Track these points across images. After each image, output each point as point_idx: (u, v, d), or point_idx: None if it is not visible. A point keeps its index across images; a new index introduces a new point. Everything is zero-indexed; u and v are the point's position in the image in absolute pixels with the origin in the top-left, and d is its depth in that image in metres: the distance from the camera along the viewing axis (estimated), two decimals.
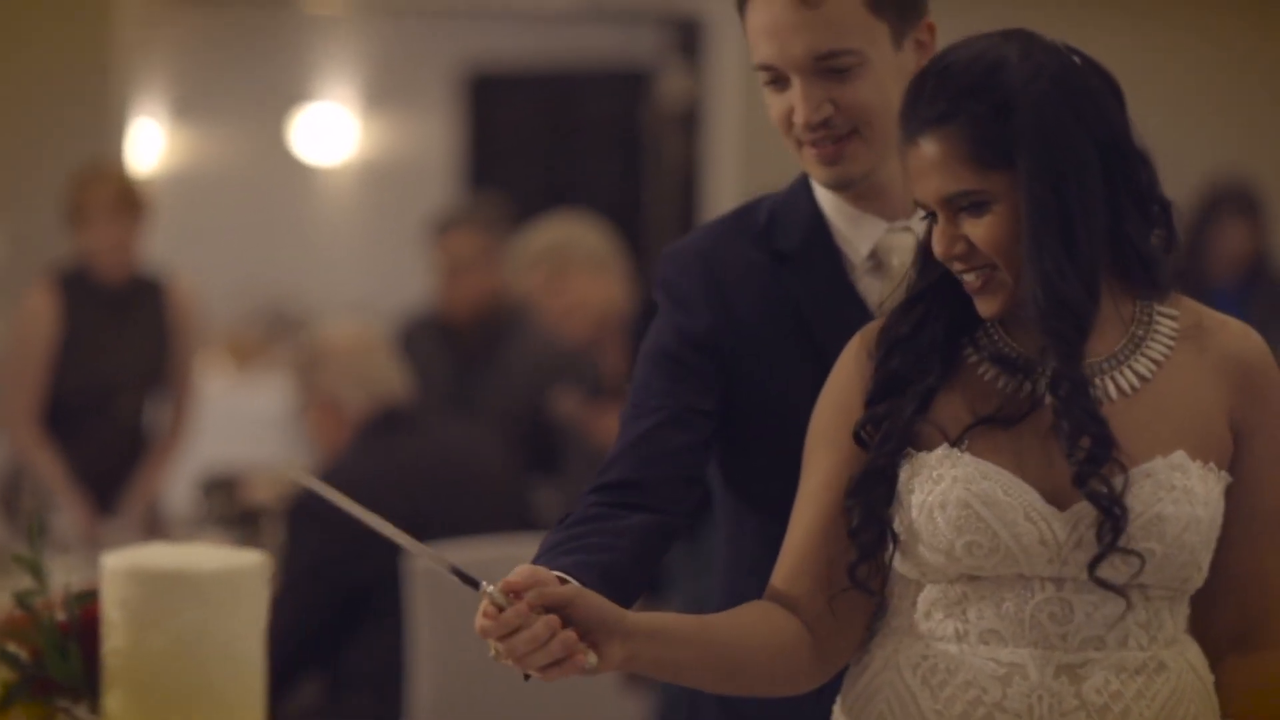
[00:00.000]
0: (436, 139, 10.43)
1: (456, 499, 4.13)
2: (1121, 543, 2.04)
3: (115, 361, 5.60)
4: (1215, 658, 2.17)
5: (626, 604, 2.11)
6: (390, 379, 4.31)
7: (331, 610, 4.05)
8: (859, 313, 2.35)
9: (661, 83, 9.61)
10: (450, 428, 4.45)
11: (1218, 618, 2.17)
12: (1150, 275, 2.13)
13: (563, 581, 2.06)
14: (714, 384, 2.36)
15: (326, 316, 10.18)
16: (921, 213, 2.13)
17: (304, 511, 4.11)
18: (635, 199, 10.14)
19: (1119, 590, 2.05)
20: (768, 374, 2.37)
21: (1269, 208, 6.65)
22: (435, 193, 9.78)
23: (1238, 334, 2.18)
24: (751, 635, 2.14)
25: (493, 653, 1.99)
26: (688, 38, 8.77)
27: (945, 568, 2.10)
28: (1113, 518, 2.04)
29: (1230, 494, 2.13)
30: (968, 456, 2.09)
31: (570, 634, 1.98)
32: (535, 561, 2.14)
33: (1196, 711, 2.12)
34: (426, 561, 2.04)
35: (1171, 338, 2.14)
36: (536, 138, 10.27)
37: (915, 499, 2.10)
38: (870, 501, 2.12)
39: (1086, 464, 2.05)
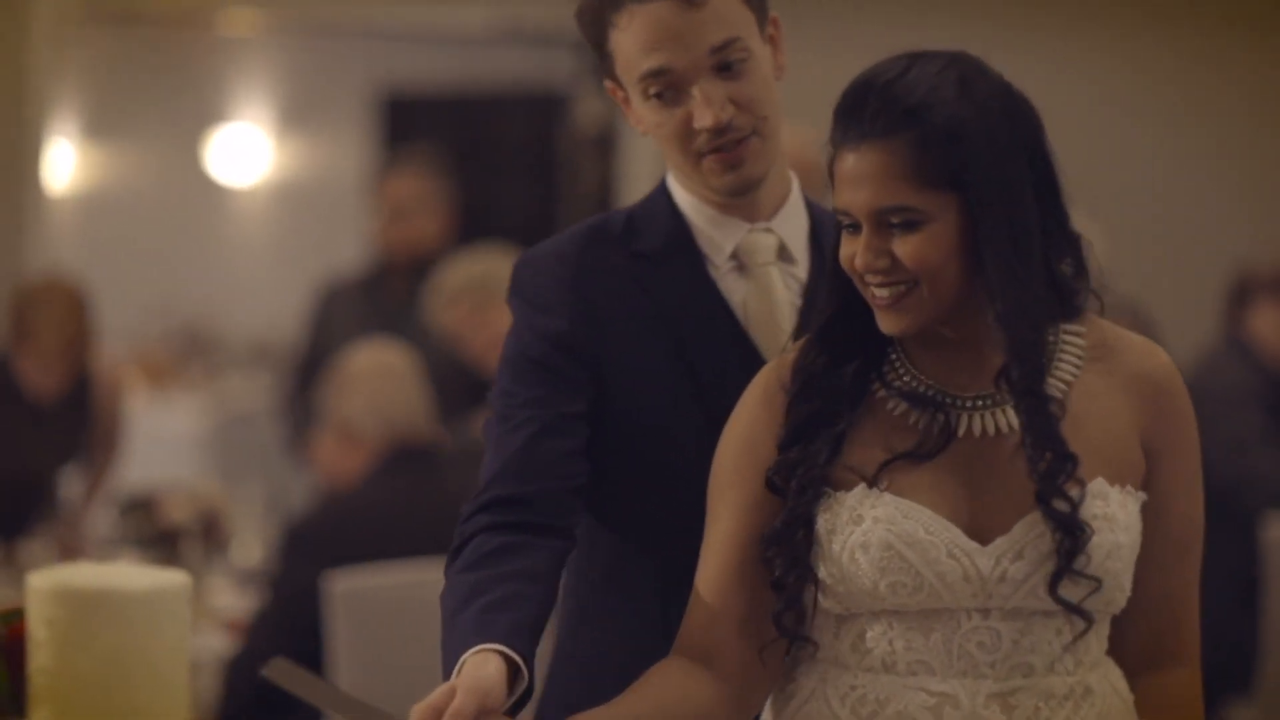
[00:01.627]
0: (351, 160, 10.42)
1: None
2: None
3: (33, 461, 5.46)
4: (1128, 676, 2.18)
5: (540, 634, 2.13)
6: (411, 413, 4.20)
7: (308, 641, 3.91)
8: (722, 312, 2.34)
9: (576, 106, 9.64)
10: (462, 468, 4.40)
11: (1130, 637, 2.18)
12: (1064, 299, 2.12)
13: (508, 659, 2.04)
14: (582, 386, 2.30)
15: (239, 337, 10.17)
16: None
17: (299, 538, 4.05)
18: (550, 221, 10.15)
19: (1080, 612, 2.06)
20: (630, 376, 2.32)
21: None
22: (349, 214, 9.78)
23: (1145, 352, 2.17)
24: (671, 712, 2.11)
25: None
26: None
27: (870, 604, 2.09)
28: (1071, 536, 2.03)
29: (1142, 514, 2.12)
30: (887, 496, 2.08)
31: None
32: (456, 619, 2.11)
33: None
34: None
35: (1079, 357, 2.13)
36: (451, 160, 10.28)
37: (836, 541, 2.08)
38: (792, 550, 2.10)
39: (1048, 479, 2.04)
